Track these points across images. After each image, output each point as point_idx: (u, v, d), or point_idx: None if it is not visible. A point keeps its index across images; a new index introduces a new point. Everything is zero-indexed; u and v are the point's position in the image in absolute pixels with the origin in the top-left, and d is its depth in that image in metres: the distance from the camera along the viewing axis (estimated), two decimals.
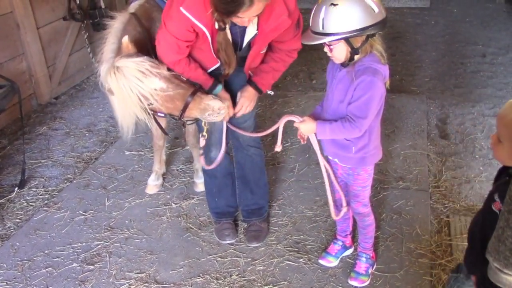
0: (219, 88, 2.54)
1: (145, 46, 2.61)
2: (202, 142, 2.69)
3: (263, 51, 2.51)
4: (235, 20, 2.25)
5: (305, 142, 2.46)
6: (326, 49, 2.21)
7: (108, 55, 2.58)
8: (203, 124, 2.63)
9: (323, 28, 2.09)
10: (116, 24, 2.68)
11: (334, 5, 2.05)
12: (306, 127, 2.33)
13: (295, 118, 2.36)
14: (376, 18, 2.09)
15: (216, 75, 2.57)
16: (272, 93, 2.79)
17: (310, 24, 2.16)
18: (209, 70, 2.56)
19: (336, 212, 2.61)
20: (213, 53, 2.46)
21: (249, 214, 3.09)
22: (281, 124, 2.45)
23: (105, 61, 2.57)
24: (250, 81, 2.62)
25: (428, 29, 6.73)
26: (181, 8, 2.26)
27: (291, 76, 5.38)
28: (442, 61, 5.64)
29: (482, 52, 5.75)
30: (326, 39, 2.12)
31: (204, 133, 2.65)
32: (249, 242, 3.01)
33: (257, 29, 2.38)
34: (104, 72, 2.48)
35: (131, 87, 2.31)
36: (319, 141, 2.43)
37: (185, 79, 2.46)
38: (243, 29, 2.42)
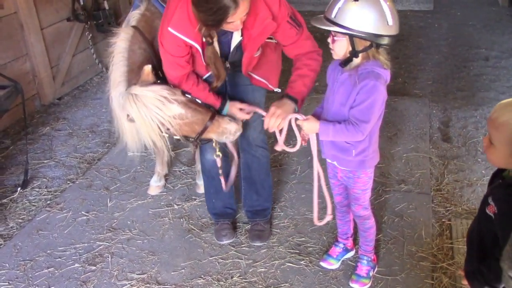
0: (227, 107, 2.61)
1: (152, 65, 2.65)
2: (219, 162, 2.73)
3: (257, 54, 2.55)
4: (228, 27, 2.27)
5: (305, 144, 2.46)
6: (329, 39, 2.22)
7: (119, 79, 2.60)
8: (213, 144, 2.68)
9: (335, 16, 2.11)
10: (120, 43, 2.67)
11: (356, 0, 2.06)
12: (309, 126, 2.33)
13: (300, 116, 2.37)
14: (387, 31, 2.10)
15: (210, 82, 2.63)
16: (280, 90, 2.79)
17: (326, 9, 2.17)
18: (204, 77, 2.61)
19: (325, 217, 2.61)
20: (204, 63, 2.51)
21: (254, 214, 3.10)
22: (286, 122, 2.43)
23: (117, 85, 2.59)
24: (284, 94, 2.58)
25: (431, 32, 6.72)
26: (169, 28, 2.34)
27: None
28: (445, 64, 5.63)
29: (485, 56, 5.73)
30: (333, 28, 2.13)
31: (218, 153, 2.70)
32: (252, 241, 3.02)
33: (242, 35, 2.44)
34: (118, 97, 2.52)
35: (152, 116, 2.36)
36: (318, 143, 2.44)
37: (200, 101, 2.53)
38: (230, 38, 2.48)
